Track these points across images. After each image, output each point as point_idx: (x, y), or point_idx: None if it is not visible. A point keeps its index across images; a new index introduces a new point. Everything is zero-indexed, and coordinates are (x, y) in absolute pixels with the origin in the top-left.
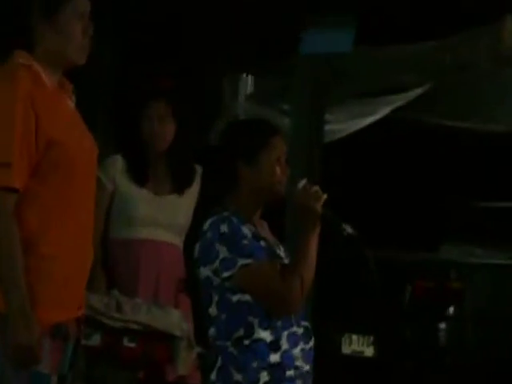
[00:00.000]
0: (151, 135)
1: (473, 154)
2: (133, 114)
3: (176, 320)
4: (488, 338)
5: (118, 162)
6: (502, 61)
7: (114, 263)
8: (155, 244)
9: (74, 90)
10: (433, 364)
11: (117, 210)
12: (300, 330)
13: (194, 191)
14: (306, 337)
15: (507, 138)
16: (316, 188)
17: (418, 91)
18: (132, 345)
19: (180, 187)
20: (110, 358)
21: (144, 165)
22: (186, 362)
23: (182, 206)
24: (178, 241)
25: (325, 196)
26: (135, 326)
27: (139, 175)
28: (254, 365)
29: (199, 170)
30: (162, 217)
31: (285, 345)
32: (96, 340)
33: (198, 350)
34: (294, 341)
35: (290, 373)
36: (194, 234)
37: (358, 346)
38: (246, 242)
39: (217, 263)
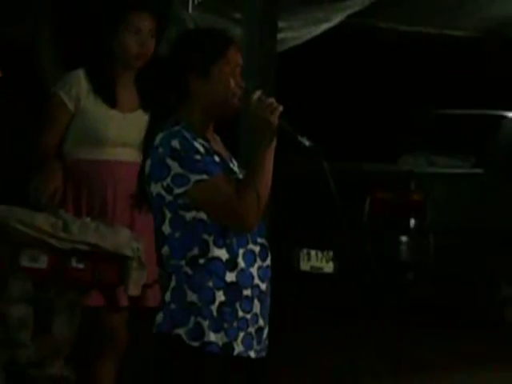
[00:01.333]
0: (129, 50)
1: (431, 60)
2: (109, 23)
3: (126, 239)
4: (451, 250)
5: (82, 80)
6: None
7: (80, 184)
8: (125, 165)
9: None
10: (394, 279)
11: (83, 131)
12: (256, 248)
13: None
14: (262, 254)
15: (467, 44)
16: (271, 99)
17: None
18: (80, 266)
19: (147, 104)
20: (58, 280)
21: (113, 83)
22: (137, 282)
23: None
24: None
25: (281, 108)
26: (83, 247)
27: (109, 96)
28: (210, 284)
29: None
30: (132, 136)
31: (241, 263)
32: (43, 262)
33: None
34: (250, 259)
35: (246, 292)
36: (144, 149)
37: (316, 261)
38: (198, 157)
39: (168, 179)
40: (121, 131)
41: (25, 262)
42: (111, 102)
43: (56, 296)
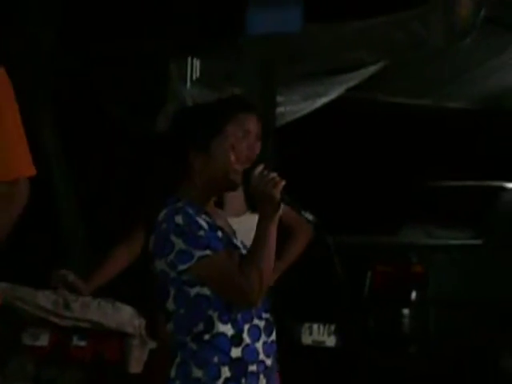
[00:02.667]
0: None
1: (429, 132)
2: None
3: (127, 316)
4: (453, 322)
5: None
6: (455, 35)
7: None
8: None
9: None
10: (396, 352)
11: None
12: (261, 323)
13: None
14: (267, 330)
15: (464, 116)
16: (273, 174)
17: (372, 70)
18: (82, 343)
19: (254, 203)
20: (60, 358)
21: None
22: (139, 360)
23: None
24: None
25: (283, 182)
26: (85, 324)
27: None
28: (215, 360)
29: None
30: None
31: (246, 339)
32: (44, 340)
33: (151, 345)
34: (255, 334)
35: (252, 368)
36: (149, 225)
37: (318, 335)
38: (202, 233)
39: (172, 256)
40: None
41: (26, 341)
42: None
43: (58, 374)
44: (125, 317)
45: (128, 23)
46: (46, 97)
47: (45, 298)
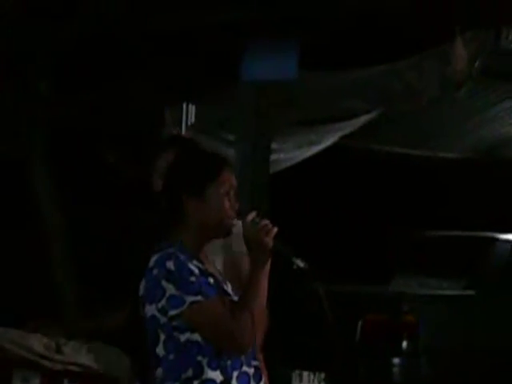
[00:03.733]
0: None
1: (422, 182)
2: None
3: (115, 357)
4: (444, 373)
5: None
6: (450, 86)
7: None
8: None
9: None
10: None
11: None
12: (251, 370)
13: None
14: (256, 377)
15: (457, 166)
16: (266, 221)
17: (366, 118)
18: None
19: None
20: None
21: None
22: None
23: None
24: None
25: (275, 229)
26: (76, 368)
27: None
28: None
29: None
30: None
31: None
32: (35, 383)
33: None
34: (244, 381)
35: None
36: (138, 270)
37: (308, 383)
38: (193, 278)
39: (163, 301)
40: None
41: (17, 383)
42: None
43: None
44: (113, 359)
45: (123, 69)
46: (40, 141)
47: (37, 342)
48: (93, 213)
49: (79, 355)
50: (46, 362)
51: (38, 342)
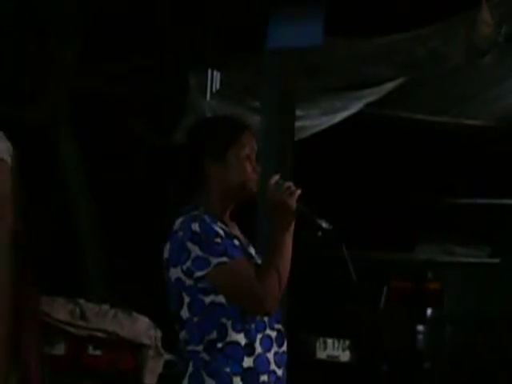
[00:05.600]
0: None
1: (448, 149)
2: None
3: (143, 327)
4: (468, 341)
5: None
6: (476, 53)
7: None
8: None
9: None
10: (411, 369)
11: None
12: (273, 333)
13: None
14: (279, 340)
15: (483, 133)
16: (289, 183)
17: (391, 85)
18: (97, 353)
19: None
20: (75, 367)
21: None
22: (153, 371)
23: None
24: None
25: (298, 191)
26: (100, 334)
27: None
28: (227, 370)
29: None
30: None
31: (259, 348)
32: (60, 349)
33: (167, 357)
34: (267, 344)
35: (263, 378)
36: (164, 234)
37: (333, 350)
38: (219, 240)
39: (189, 263)
40: None
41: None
42: None
43: (74, 383)
44: (141, 328)
45: (148, 37)
46: (65, 111)
47: (61, 308)
48: (118, 180)
49: (104, 321)
50: (70, 328)
51: (62, 309)
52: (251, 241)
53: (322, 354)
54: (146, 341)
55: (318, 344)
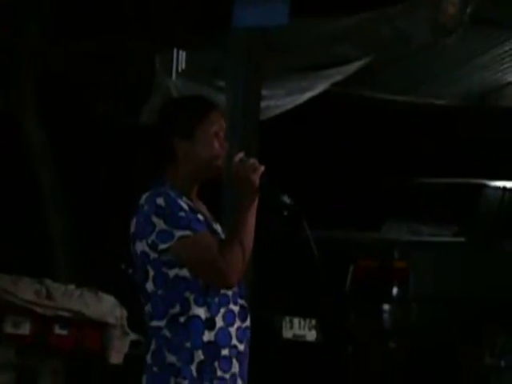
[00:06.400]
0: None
1: (413, 129)
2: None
3: (109, 306)
4: (433, 319)
5: None
6: (441, 32)
7: None
8: None
9: None
10: (377, 348)
11: None
12: (236, 308)
13: None
14: (242, 315)
15: (447, 113)
16: (253, 160)
17: (357, 65)
18: (63, 332)
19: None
20: (41, 346)
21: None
22: (119, 350)
23: None
24: None
25: (262, 168)
26: (66, 314)
27: None
28: (188, 345)
29: None
30: None
31: (220, 322)
32: (26, 328)
33: (132, 337)
34: (230, 319)
35: (224, 352)
36: (130, 209)
37: (299, 329)
38: (182, 214)
39: (153, 236)
40: None
41: (8, 329)
42: None
43: (39, 363)
44: (107, 307)
45: (113, 17)
46: (31, 90)
47: (27, 288)
48: (85, 163)
49: (70, 301)
50: (36, 308)
51: (28, 288)
52: (217, 219)
53: (288, 334)
54: (111, 320)
55: (284, 323)
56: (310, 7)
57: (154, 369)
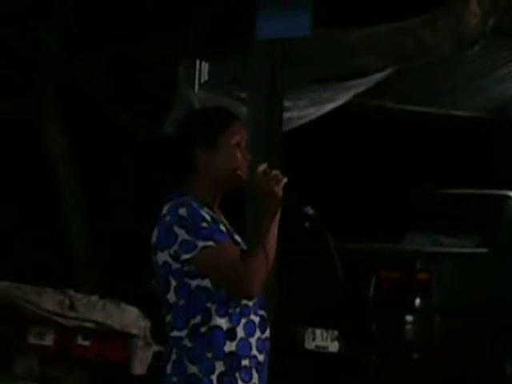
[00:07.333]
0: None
1: (436, 140)
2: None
3: (132, 317)
4: (456, 331)
5: None
6: (463, 43)
7: None
8: None
9: None
10: (399, 359)
11: None
12: (257, 319)
13: None
14: (262, 326)
15: (470, 124)
16: (276, 171)
17: (379, 76)
18: (86, 343)
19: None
20: (64, 357)
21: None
22: (142, 361)
23: None
24: None
25: (285, 179)
26: (89, 324)
27: None
28: (209, 355)
29: None
30: None
31: (241, 333)
32: (49, 339)
33: (156, 348)
34: (250, 329)
35: (245, 362)
36: (152, 220)
37: (321, 340)
38: (205, 224)
39: (176, 246)
40: None
41: (31, 339)
42: None
43: (64, 374)
44: (130, 318)
45: (137, 27)
46: (52, 100)
47: (50, 299)
48: (107, 173)
49: (93, 312)
50: (59, 319)
51: (51, 299)
52: (238, 231)
53: (310, 345)
54: (135, 331)
55: (306, 335)
56: (332, 18)
57: (174, 379)
